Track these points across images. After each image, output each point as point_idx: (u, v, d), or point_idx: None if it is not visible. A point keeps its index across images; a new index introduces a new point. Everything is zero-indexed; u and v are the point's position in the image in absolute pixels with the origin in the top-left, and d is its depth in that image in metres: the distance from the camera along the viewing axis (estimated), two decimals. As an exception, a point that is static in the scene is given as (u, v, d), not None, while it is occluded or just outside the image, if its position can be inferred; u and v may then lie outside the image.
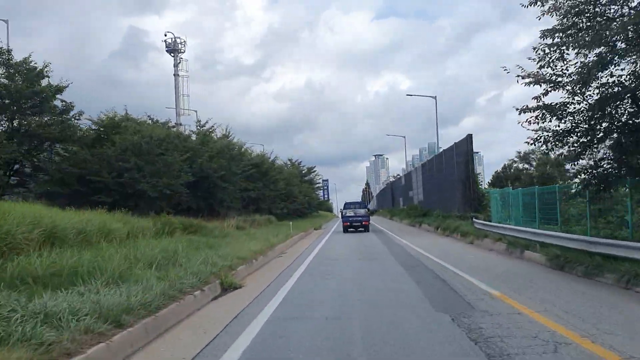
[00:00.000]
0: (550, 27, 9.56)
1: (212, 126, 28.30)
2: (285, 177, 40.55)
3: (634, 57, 8.70)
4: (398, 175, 72.89)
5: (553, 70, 9.55)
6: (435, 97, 33.99)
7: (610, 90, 8.96)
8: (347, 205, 31.09)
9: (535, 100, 9.84)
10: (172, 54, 37.58)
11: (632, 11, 8.79)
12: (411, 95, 36.94)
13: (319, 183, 66.38)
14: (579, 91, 9.38)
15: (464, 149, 22.58)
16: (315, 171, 62.77)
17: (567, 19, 9.35)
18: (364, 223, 29.17)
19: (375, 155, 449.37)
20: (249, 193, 31.03)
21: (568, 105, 9.62)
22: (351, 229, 29.33)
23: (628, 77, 9.00)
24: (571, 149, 9.83)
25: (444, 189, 27.59)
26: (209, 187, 26.35)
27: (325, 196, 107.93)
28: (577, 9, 9.13)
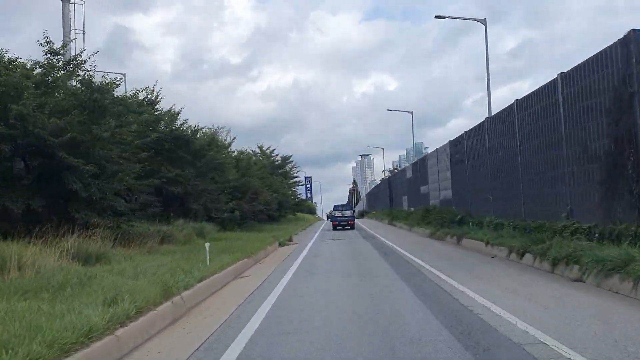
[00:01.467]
0: None
1: (76, 56, 14.77)
2: (240, 164, 27.28)
3: None
4: (395, 168, 60.06)
5: None
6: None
7: None
8: (336, 207, 36.18)
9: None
10: (60, -32, 23.96)
11: None
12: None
13: (298, 177, 53.14)
14: None
15: (614, 71, 9.48)
16: (291, 161, 49.55)
17: None
18: (350, 222, 33.75)
19: (361, 155, 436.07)
20: (160, 183, 17.70)
21: None
22: (339, 227, 33.04)
23: None
24: None
25: (517, 177, 14.58)
26: (51, 169, 12.99)
27: (308, 195, 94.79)
28: None
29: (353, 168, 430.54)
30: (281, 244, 20.73)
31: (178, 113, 22.63)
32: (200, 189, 20.69)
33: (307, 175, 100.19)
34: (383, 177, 63.22)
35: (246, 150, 42.57)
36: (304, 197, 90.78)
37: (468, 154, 20.13)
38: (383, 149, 58.40)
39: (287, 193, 40.40)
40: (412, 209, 34.38)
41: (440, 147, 25.49)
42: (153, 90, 22.66)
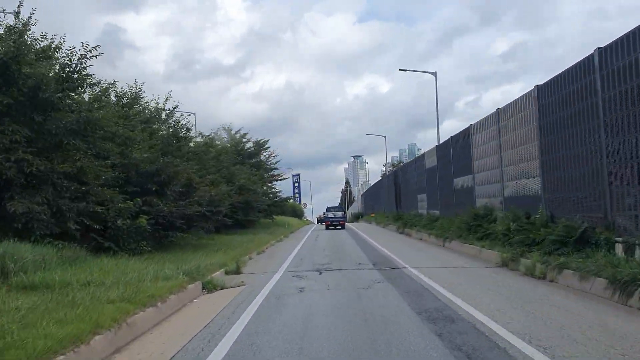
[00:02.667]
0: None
1: None
2: (158, 131, 16.27)
3: None
4: (400, 162, 49.07)
5: None
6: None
7: None
8: (329, 209, 40.07)
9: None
10: None
11: None
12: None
13: (276, 169, 41.62)
14: None
15: None
16: (267, 148, 38.51)
17: None
18: (341, 222, 37.07)
19: (354, 157, 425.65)
20: None
21: None
22: (331, 227, 36.09)
23: None
24: None
25: None
26: None
27: (296, 195, 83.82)
28: None
29: (345, 169, 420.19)
30: (208, 287, 9.82)
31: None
32: (35, 169, 9.72)
33: (296, 173, 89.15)
34: (384, 171, 52.66)
35: (215, 134, 31.62)
36: (286, 196, 79.64)
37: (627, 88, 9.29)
38: (385, 137, 47.68)
39: (258, 191, 28.74)
40: (437, 212, 23.67)
41: (506, 106, 14.69)
42: (18, 13, 12.29)
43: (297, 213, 63.71)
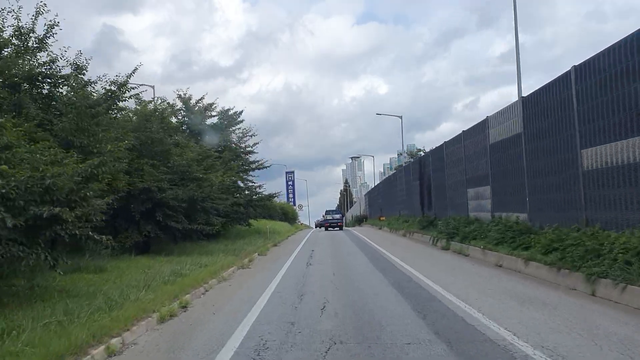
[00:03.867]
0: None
1: None
2: None
3: None
4: (416, 151, 38.50)
5: None
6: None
7: None
8: (328, 212, 44.71)
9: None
10: None
11: None
12: None
13: (254, 152, 30.03)
14: None
15: None
16: (241, 122, 27.83)
17: None
18: (339, 224, 40.87)
19: (352, 158, 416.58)
20: None
21: None
22: (330, 228, 39.72)
23: None
24: None
25: None
26: None
27: (290, 194, 73.39)
28: None
29: (343, 171, 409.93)
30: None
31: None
32: None
33: (289, 169, 78.66)
34: (382, 172, 42.39)
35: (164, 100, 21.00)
36: (287, 198, 69.17)
37: None
38: (401, 117, 37.25)
39: (213, 180, 17.33)
40: (521, 215, 13.42)
41: None
42: None
43: (289, 216, 52.88)
